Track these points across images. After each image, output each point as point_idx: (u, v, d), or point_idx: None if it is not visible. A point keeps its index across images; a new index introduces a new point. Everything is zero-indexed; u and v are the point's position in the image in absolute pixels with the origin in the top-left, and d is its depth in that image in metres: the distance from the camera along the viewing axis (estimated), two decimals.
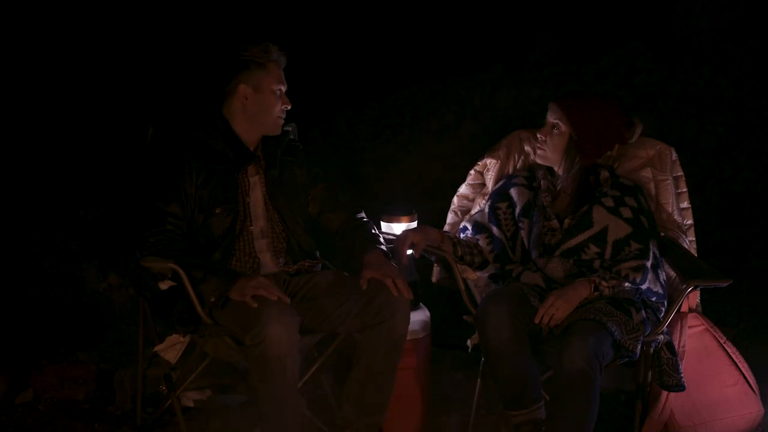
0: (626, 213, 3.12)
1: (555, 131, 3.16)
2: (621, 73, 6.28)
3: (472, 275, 3.33)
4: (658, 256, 3.14)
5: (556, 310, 2.97)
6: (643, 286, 3.07)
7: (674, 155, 3.35)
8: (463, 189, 3.51)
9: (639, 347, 2.97)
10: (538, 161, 3.25)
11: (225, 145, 3.14)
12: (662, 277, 3.15)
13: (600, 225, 3.12)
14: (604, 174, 3.21)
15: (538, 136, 3.20)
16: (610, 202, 3.14)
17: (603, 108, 3.15)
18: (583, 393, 2.85)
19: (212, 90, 3.20)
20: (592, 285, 3.02)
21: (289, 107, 3.18)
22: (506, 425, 3.06)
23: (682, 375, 3.08)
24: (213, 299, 2.92)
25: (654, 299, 3.12)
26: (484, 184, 3.48)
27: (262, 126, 3.17)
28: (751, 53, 6.21)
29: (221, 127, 3.15)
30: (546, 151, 3.19)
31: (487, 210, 3.33)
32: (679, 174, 3.37)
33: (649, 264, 3.08)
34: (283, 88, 3.16)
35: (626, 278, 3.03)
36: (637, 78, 6.24)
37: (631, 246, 3.09)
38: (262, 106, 3.13)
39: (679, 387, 3.08)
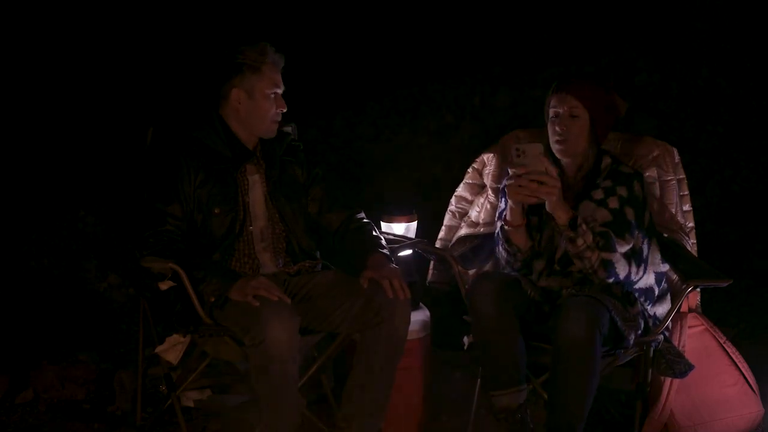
0: (613, 203, 3.03)
1: (574, 119, 3.05)
2: (621, 73, 6.27)
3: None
4: (647, 249, 3.07)
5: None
6: (621, 276, 2.99)
7: (677, 156, 3.33)
8: (461, 189, 3.51)
9: (632, 338, 2.97)
10: (563, 157, 3.10)
11: (223, 145, 3.13)
12: (651, 277, 3.11)
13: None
14: (606, 161, 3.12)
15: (557, 130, 3.06)
16: (599, 195, 3.06)
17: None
18: (582, 362, 2.81)
19: (208, 92, 3.18)
20: (572, 214, 2.94)
21: (285, 110, 3.15)
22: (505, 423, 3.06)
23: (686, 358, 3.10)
24: (213, 299, 2.93)
25: (639, 296, 3.09)
26: (483, 185, 3.47)
27: (256, 130, 3.15)
28: (751, 53, 6.20)
29: (219, 127, 3.14)
30: (569, 141, 3.06)
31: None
32: (681, 176, 3.34)
33: (623, 250, 2.98)
34: (279, 91, 3.12)
35: (600, 237, 2.93)
36: (637, 78, 6.23)
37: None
38: (255, 112, 3.11)
39: (689, 367, 3.08)
